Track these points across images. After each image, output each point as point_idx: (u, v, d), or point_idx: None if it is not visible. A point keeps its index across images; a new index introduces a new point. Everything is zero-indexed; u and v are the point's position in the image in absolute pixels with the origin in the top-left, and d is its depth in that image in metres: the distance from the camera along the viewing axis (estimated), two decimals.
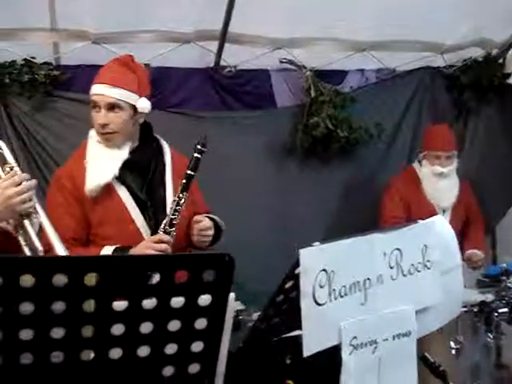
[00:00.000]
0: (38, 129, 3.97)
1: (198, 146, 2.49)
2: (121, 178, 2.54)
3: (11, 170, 1.97)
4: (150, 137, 2.71)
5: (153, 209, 2.57)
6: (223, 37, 3.93)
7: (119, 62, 2.66)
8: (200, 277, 1.25)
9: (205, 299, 1.28)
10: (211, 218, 2.65)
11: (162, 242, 2.40)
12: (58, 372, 1.25)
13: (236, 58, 4.17)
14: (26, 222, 1.92)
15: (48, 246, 1.89)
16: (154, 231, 2.49)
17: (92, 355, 1.26)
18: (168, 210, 2.47)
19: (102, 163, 2.52)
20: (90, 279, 1.16)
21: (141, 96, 2.59)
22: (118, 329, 1.24)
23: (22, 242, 1.94)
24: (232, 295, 1.33)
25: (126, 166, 2.56)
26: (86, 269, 1.16)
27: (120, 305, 1.22)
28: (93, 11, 3.70)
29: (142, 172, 2.59)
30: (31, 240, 1.92)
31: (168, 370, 1.35)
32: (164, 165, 2.67)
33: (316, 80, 4.32)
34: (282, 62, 4.29)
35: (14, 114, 3.96)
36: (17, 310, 1.16)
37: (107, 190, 2.51)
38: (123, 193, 2.54)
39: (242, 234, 3.73)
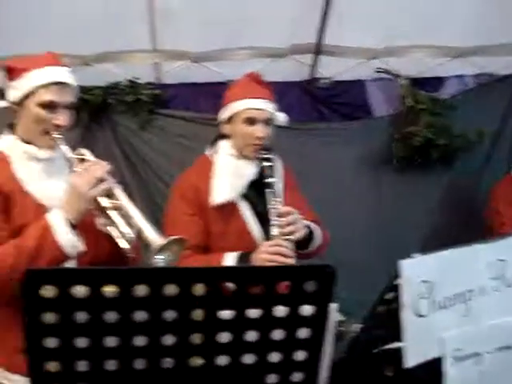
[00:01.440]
0: (142, 146, 4.18)
1: (263, 155, 2.53)
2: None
3: (83, 162, 2.07)
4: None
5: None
6: (318, 49, 3.98)
7: (255, 79, 2.67)
8: (302, 287, 1.28)
9: (307, 309, 1.31)
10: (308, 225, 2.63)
11: (279, 245, 2.39)
12: (168, 377, 1.33)
13: (331, 69, 4.20)
14: (111, 212, 2.00)
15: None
16: None
17: (200, 362, 1.33)
18: (272, 221, 2.45)
19: (230, 178, 2.55)
20: (198, 289, 1.23)
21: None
22: (224, 337, 1.30)
23: (115, 235, 2.03)
24: (334, 305, 1.36)
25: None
26: (194, 279, 1.23)
27: (226, 314, 1.28)
28: (191, 31, 3.86)
29: (257, 185, 2.57)
30: (120, 229, 2.00)
31: (271, 378, 1.39)
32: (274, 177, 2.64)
33: (412, 88, 4.26)
34: (377, 72, 4.27)
35: (120, 133, 4.19)
36: (131, 318, 1.24)
37: (229, 203, 2.55)
38: (244, 207, 2.57)
39: (337, 247, 3.72)
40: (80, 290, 1.19)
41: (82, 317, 1.22)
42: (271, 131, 2.60)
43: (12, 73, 2.13)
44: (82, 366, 1.28)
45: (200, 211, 2.55)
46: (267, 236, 2.48)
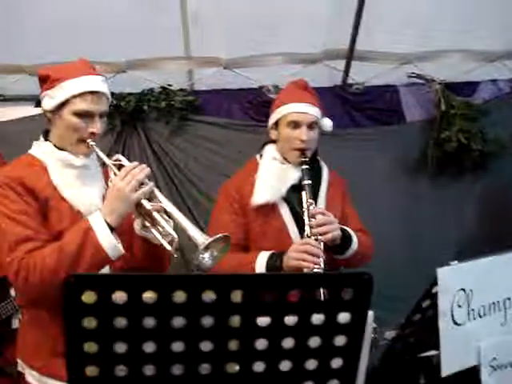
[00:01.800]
0: (174, 151, 4.21)
1: (303, 158, 2.59)
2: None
3: (120, 168, 2.08)
4: (313, 157, 2.77)
5: None
6: (350, 55, 3.97)
7: (301, 85, 2.74)
8: (339, 295, 1.28)
9: (344, 317, 1.31)
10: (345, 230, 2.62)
11: (308, 244, 2.43)
12: (205, 383, 1.34)
13: (363, 74, 4.19)
14: (155, 214, 2.00)
15: None
16: None
17: (237, 368, 1.33)
18: (306, 220, 2.50)
19: (272, 180, 2.62)
20: (236, 296, 1.24)
21: (322, 115, 2.71)
22: (261, 343, 1.30)
23: (158, 236, 2.04)
24: (371, 313, 1.35)
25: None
26: (232, 286, 1.24)
27: (264, 321, 1.28)
28: (223, 38, 3.89)
29: (299, 189, 2.62)
30: (164, 228, 2.01)
31: None
32: (320, 184, 2.73)
33: (446, 93, 4.22)
34: (410, 77, 4.24)
35: (153, 139, 4.23)
36: (170, 324, 1.25)
37: (270, 204, 2.61)
38: (283, 208, 2.62)
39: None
40: (120, 296, 1.21)
41: (121, 322, 1.24)
42: (316, 136, 2.66)
43: (47, 82, 2.18)
44: (120, 371, 1.30)
45: (241, 211, 2.63)
46: (302, 237, 2.53)
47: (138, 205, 2.02)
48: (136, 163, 2.08)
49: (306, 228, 2.46)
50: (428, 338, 1.81)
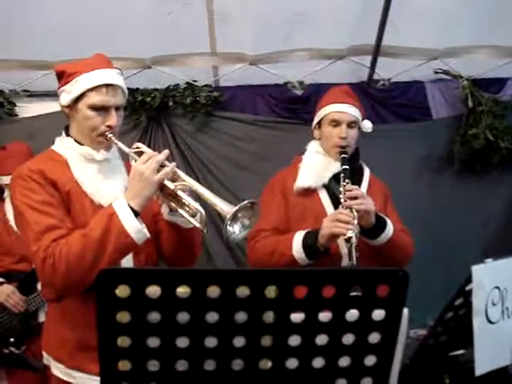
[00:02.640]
0: (199, 147, 4.22)
1: (342, 149, 2.74)
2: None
3: (141, 155, 2.07)
4: (355, 156, 2.89)
5: None
6: (377, 50, 3.93)
7: (342, 88, 2.95)
8: (374, 292, 1.26)
9: (379, 314, 1.29)
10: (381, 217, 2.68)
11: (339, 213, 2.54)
12: (238, 379, 1.32)
13: (389, 70, 4.16)
14: (180, 193, 2.01)
15: None
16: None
17: (269, 364, 1.32)
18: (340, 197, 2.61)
19: (315, 168, 2.78)
20: (270, 292, 1.22)
21: (363, 118, 2.90)
22: (295, 340, 1.28)
23: (186, 215, 2.04)
24: (406, 311, 1.33)
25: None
26: (266, 281, 1.22)
27: (297, 317, 1.27)
28: (249, 34, 3.88)
29: (339, 180, 2.72)
30: (189, 206, 2.02)
31: (341, 382, 1.37)
32: (360, 182, 2.84)
33: (474, 89, 4.17)
34: (436, 73, 4.19)
35: (178, 135, 4.24)
36: (203, 319, 1.24)
37: (311, 190, 2.75)
38: (323, 194, 2.76)
39: None
40: (154, 291, 1.20)
41: (154, 317, 1.23)
42: (355, 135, 2.82)
43: (63, 77, 2.19)
44: (153, 365, 1.29)
45: (283, 198, 2.78)
46: None
47: (162, 187, 2.02)
48: (152, 152, 2.08)
49: (342, 201, 2.57)
50: (460, 336, 1.78)
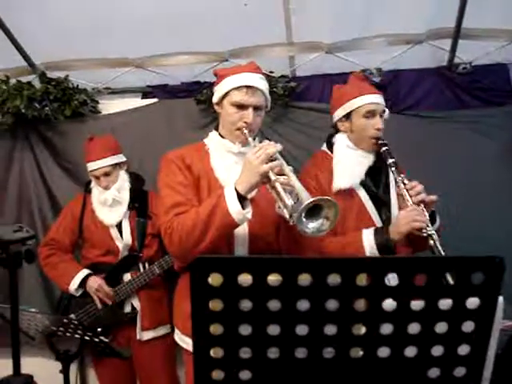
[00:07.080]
0: (277, 138, 4.19)
1: (382, 141, 2.76)
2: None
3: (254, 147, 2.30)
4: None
5: (387, 207, 2.79)
6: (457, 33, 3.81)
7: (362, 78, 3.05)
8: (468, 279, 1.24)
9: (473, 302, 1.26)
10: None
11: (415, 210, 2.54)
12: (329, 367, 1.33)
13: (471, 53, 4.01)
14: (278, 185, 2.13)
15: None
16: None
17: (361, 353, 1.32)
18: (404, 194, 2.60)
19: (351, 166, 2.79)
20: (361, 279, 1.22)
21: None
22: (386, 328, 1.28)
23: (281, 205, 2.15)
24: (501, 299, 1.29)
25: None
26: (357, 269, 1.22)
27: (389, 305, 1.25)
28: (325, 22, 3.84)
29: (374, 174, 2.83)
30: (284, 200, 2.11)
31: (433, 372, 1.35)
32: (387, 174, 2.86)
33: None
34: None
35: None
36: (294, 307, 1.25)
37: (349, 189, 2.76)
38: (361, 191, 2.78)
39: (476, 243, 3.55)
40: (246, 279, 1.22)
41: (246, 305, 1.25)
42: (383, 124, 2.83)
43: (217, 79, 2.59)
44: (245, 353, 1.31)
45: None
46: (381, 218, 2.74)
47: (267, 178, 2.17)
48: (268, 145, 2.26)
49: (408, 198, 2.57)
50: None
